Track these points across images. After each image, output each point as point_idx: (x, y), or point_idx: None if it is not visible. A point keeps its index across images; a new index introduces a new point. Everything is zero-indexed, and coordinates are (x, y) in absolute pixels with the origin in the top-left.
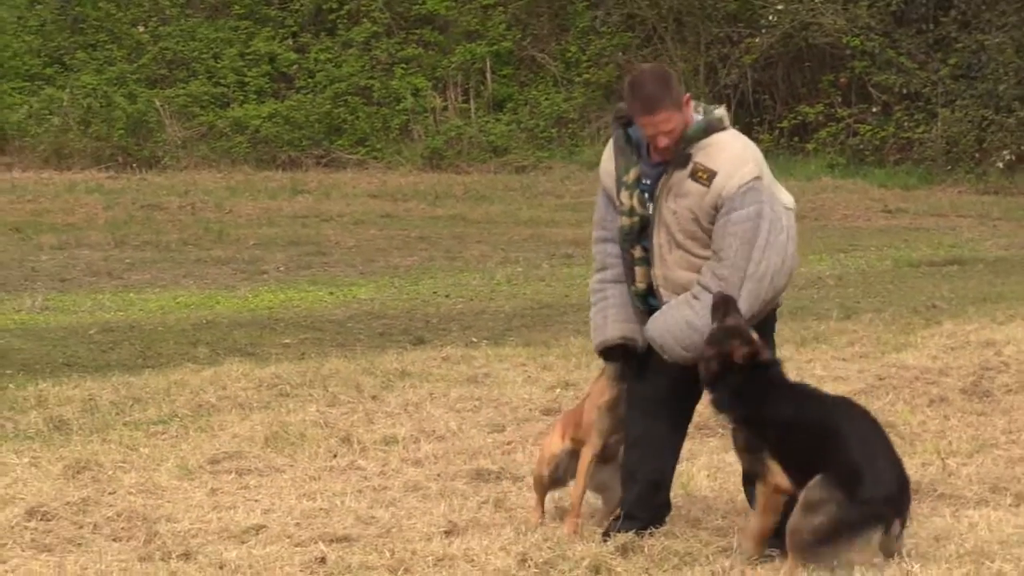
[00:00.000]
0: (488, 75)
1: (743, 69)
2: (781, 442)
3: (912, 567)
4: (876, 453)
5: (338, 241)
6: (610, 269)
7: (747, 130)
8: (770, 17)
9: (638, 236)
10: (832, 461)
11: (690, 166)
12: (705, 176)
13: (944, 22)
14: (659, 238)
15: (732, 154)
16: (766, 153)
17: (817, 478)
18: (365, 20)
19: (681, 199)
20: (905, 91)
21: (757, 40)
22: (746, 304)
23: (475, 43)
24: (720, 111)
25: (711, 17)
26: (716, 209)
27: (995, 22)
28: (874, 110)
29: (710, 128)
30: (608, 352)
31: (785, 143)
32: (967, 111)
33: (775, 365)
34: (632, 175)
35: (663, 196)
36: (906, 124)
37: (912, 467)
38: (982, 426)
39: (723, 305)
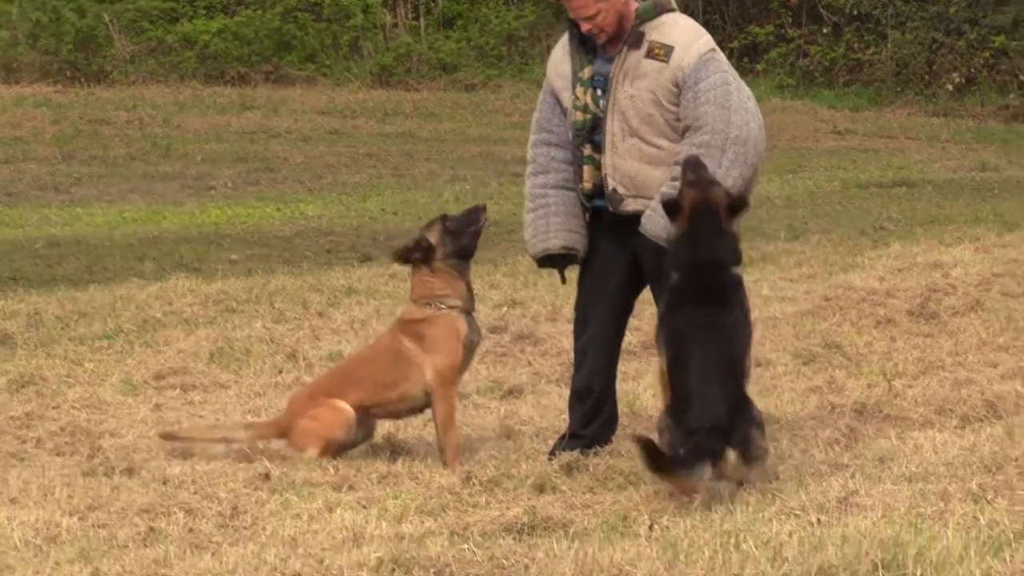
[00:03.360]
0: None
1: None
2: (669, 338)
3: (857, 488)
4: (710, 379)
5: (286, 157)
6: (552, 173)
7: None
8: None
9: (589, 133)
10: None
11: (645, 45)
12: (662, 52)
13: None
14: (612, 126)
15: (686, 29)
16: None
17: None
18: None
19: (639, 80)
20: (855, 12)
21: None
22: (736, 170)
23: None
24: None
25: None
26: (677, 86)
27: None
28: (824, 31)
29: (660, 8)
30: (547, 260)
31: (735, 64)
32: (917, 33)
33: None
34: (587, 72)
35: (618, 81)
36: (856, 46)
37: (858, 388)
38: (928, 348)
39: (694, 164)
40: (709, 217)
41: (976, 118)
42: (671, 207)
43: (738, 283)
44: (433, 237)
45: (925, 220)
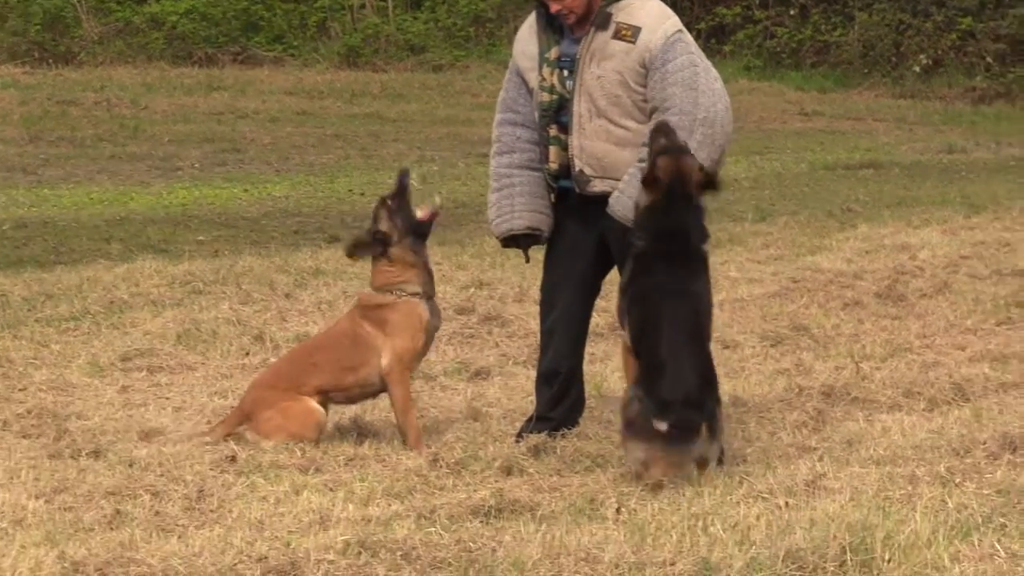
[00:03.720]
0: None
1: None
2: (633, 305)
3: (825, 471)
4: (681, 348)
5: (253, 138)
6: (518, 153)
7: None
8: None
9: (556, 114)
10: (646, 353)
11: (612, 26)
12: (629, 33)
13: None
14: (579, 107)
15: (653, 10)
16: None
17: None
18: None
19: (606, 61)
20: None
21: None
22: (704, 151)
23: None
24: None
25: None
26: (644, 67)
27: None
28: (791, 12)
29: None
30: (511, 241)
31: (702, 45)
32: (884, 15)
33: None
34: (554, 53)
35: (585, 62)
36: (823, 27)
37: (825, 371)
38: (896, 330)
39: (664, 129)
40: (681, 186)
41: (943, 100)
42: (650, 182)
43: (704, 258)
44: (384, 225)
45: (892, 202)
